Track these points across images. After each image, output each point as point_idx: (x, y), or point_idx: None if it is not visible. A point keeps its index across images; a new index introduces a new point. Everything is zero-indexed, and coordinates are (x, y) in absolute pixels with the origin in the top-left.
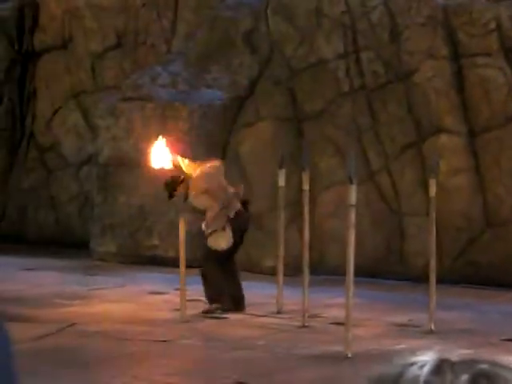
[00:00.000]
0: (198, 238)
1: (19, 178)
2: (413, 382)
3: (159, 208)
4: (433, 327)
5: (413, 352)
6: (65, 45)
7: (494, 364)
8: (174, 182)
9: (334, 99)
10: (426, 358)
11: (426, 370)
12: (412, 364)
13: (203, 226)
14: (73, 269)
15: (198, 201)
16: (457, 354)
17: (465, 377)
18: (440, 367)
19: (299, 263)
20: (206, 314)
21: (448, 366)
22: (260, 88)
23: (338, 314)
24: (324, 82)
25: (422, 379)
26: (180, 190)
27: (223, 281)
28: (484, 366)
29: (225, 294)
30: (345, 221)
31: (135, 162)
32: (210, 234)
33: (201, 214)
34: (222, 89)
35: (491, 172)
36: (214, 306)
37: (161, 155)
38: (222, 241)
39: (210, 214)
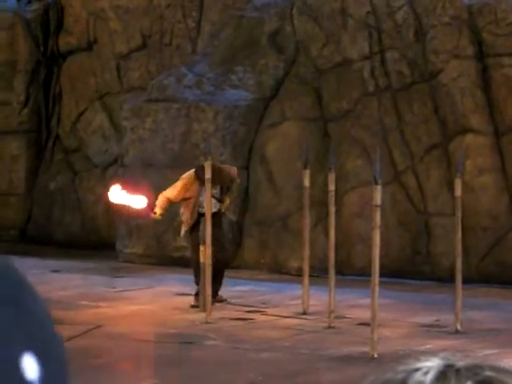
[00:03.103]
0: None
1: (45, 179)
2: None
3: None
4: (459, 327)
5: (435, 353)
6: (90, 46)
7: (501, 370)
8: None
9: (359, 99)
10: (430, 364)
11: (429, 376)
12: (416, 370)
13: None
14: (99, 270)
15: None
16: (482, 354)
17: None
18: (444, 374)
19: (325, 264)
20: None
21: (452, 373)
22: (285, 88)
23: (364, 314)
24: (349, 83)
25: None
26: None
27: None
28: (490, 373)
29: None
30: (371, 221)
31: (161, 162)
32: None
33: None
34: (247, 89)
35: None
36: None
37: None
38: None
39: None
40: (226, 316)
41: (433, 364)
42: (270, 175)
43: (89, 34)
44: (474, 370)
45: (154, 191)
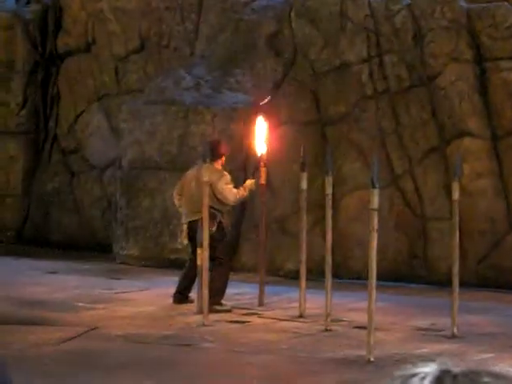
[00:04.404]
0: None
1: (43, 180)
2: None
3: None
4: (456, 331)
5: (432, 357)
6: (88, 48)
7: (496, 376)
8: None
9: (357, 103)
10: (426, 370)
11: (426, 382)
12: (412, 375)
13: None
14: (96, 272)
15: None
16: (478, 358)
17: None
18: (441, 379)
19: (322, 267)
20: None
21: (449, 379)
22: (283, 91)
23: (361, 318)
24: (347, 86)
25: None
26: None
27: None
28: (487, 379)
29: None
30: (368, 225)
31: (159, 165)
32: None
33: None
34: (245, 92)
35: None
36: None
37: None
38: None
39: None
40: (223, 318)
41: (429, 370)
42: (268, 177)
43: (87, 35)
44: (470, 375)
45: (152, 194)
